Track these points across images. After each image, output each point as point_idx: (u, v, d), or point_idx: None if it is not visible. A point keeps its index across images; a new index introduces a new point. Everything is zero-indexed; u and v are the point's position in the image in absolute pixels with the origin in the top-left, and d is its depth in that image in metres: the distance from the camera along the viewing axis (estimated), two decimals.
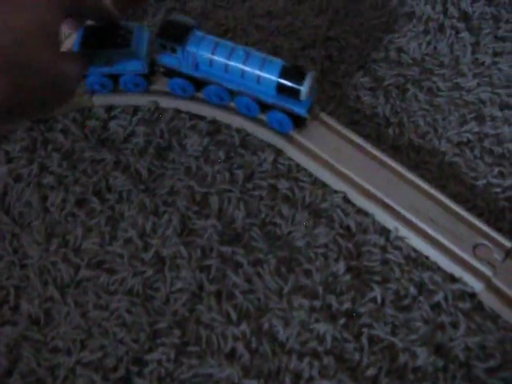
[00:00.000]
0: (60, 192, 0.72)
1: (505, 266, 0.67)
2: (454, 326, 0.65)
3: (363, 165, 0.73)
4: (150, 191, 0.73)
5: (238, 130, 0.78)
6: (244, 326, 0.64)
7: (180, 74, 0.76)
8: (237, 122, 0.78)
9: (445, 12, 0.92)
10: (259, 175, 0.75)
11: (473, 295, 0.67)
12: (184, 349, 0.63)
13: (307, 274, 0.68)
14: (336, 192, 0.73)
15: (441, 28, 0.90)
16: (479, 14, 0.91)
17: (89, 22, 0.73)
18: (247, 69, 0.71)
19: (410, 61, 0.86)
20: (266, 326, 0.64)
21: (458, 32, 0.90)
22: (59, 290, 0.66)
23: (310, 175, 0.75)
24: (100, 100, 0.80)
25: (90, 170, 0.74)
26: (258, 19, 0.90)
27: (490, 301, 0.66)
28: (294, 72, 0.70)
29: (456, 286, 0.67)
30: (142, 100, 0.80)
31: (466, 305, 0.66)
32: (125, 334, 0.64)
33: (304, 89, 0.70)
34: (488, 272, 0.66)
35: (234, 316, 0.64)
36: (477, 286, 0.66)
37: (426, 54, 0.87)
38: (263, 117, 0.76)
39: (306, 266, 0.68)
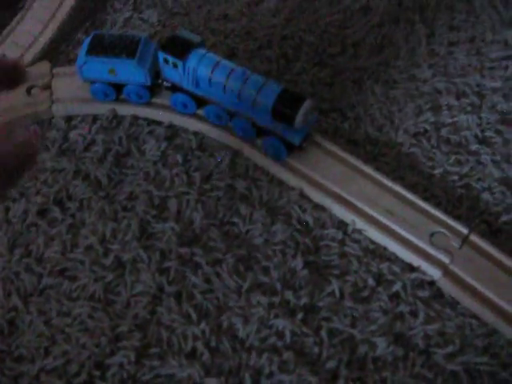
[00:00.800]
0: (22, 203, 0.74)
1: (462, 253, 0.67)
2: (414, 314, 0.66)
3: (318, 160, 0.74)
4: (109, 198, 0.74)
5: (196, 134, 0.79)
6: (204, 326, 0.65)
7: (182, 90, 0.77)
8: (194, 125, 0.79)
9: (399, 4, 0.93)
10: (216, 176, 0.76)
11: (432, 283, 0.68)
12: (145, 351, 0.64)
13: (265, 271, 0.68)
14: (293, 189, 0.74)
15: (396, 20, 0.91)
16: (433, 6, 0.92)
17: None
18: (245, 91, 0.72)
19: (366, 54, 0.87)
20: (225, 324, 0.65)
21: (413, 24, 0.91)
22: (22, 299, 0.67)
23: (267, 174, 0.76)
24: (59, 110, 0.81)
25: (51, 179, 0.76)
26: (213, 23, 0.92)
27: (448, 288, 0.67)
28: (291, 98, 0.70)
29: (414, 275, 0.68)
30: (101, 109, 0.81)
31: (424, 293, 0.67)
32: (87, 339, 0.65)
33: (299, 116, 0.69)
34: (445, 259, 0.67)
35: (194, 316, 0.65)
36: (435, 273, 0.67)
37: (382, 47, 0.88)
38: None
39: (264, 263, 0.69)
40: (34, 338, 0.65)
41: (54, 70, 0.84)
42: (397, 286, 0.67)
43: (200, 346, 0.64)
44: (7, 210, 0.74)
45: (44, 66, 0.85)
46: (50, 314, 0.66)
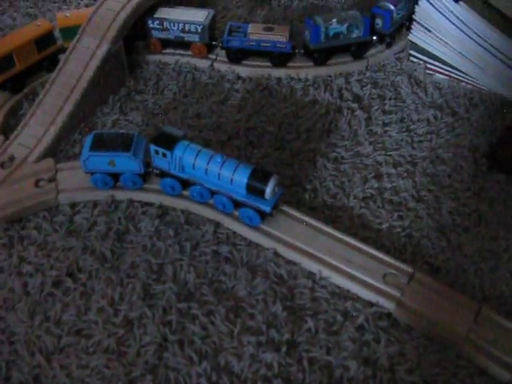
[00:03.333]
0: (38, 277, 0.85)
1: (410, 288, 0.81)
2: (377, 341, 0.78)
3: (286, 225, 0.89)
4: (114, 268, 0.86)
5: (183, 211, 0.93)
6: (205, 365, 0.75)
7: (170, 175, 0.91)
8: (181, 204, 0.94)
9: (341, 97, 1.12)
10: (203, 244, 0.89)
11: (389, 315, 0.81)
12: None
13: (252, 316, 0.80)
14: (267, 249, 0.88)
15: (339, 109, 1.10)
16: (368, 95, 1.12)
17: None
18: (223, 172, 0.87)
19: (317, 138, 1.05)
20: (222, 362, 0.76)
21: (353, 111, 1.10)
22: (45, 357, 0.77)
23: (245, 239, 0.90)
24: (65, 198, 0.94)
25: (63, 256, 0.88)
26: (189, 120, 1.08)
27: (402, 317, 0.80)
28: (260, 175, 0.85)
29: (374, 309, 0.81)
30: (101, 195, 0.95)
31: (384, 323, 0.80)
32: None
33: (268, 189, 0.84)
34: (397, 294, 0.81)
35: (195, 358, 0.76)
36: (390, 306, 0.81)
37: (329, 131, 1.07)
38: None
39: (250, 310, 0.81)
40: None
41: (58, 166, 0.98)
42: (361, 320, 0.80)
43: (203, 382, 0.74)
44: (25, 283, 0.84)
45: (48, 162, 0.99)
46: (71, 368, 0.75)
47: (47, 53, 1.18)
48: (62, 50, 1.18)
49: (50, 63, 1.17)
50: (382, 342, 0.78)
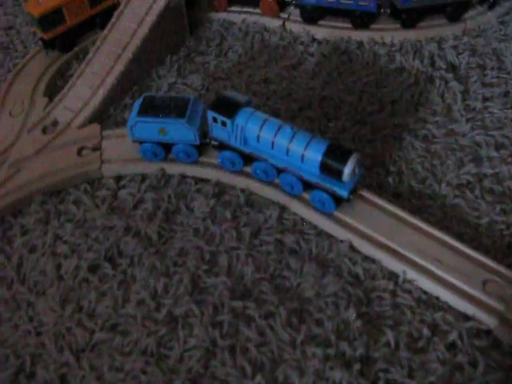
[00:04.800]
0: (73, 259, 0.76)
1: None
2: (473, 365, 0.65)
3: (365, 213, 0.76)
4: (160, 253, 0.76)
5: (243, 190, 0.81)
6: (259, 379, 0.64)
7: (230, 148, 0.80)
8: (241, 182, 0.82)
9: (432, 65, 0.97)
10: (265, 231, 0.77)
11: (488, 332, 0.67)
12: None
13: (319, 323, 0.69)
14: (342, 241, 0.75)
15: (430, 79, 0.94)
16: (465, 65, 0.96)
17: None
18: (293, 147, 0.75)
19: (404, 111, 0.90)
20: (281, 377, 0.65)
21: (447, 82, 0.94)
22: (74, 354, 0.68)
23: (315, 227, 0.77)
24: (109, 170, 0.84)
25: (102, 236, 0.78)
26: (255, 86, 0.96)
27: (506, 336, 0.66)
28: (338, 153, 0.73)
29: (470, 324, 0.67)
30: (150, 168, 0.84)
31: (482, 342, 0.66)
32: None
33: (347, 169, 0.72)
34: (500, 307, 0.67)
35: (248, 369, 0.65)
36: (491, 322, 0.67)
37: (419, 104, 0.91)
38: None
39: (317, 315, 0.69)
40: None
41: (104, 133, 0.88)
42: (453, 336, 0.66)
43: None
44: (59, 266, 0.75)
45: (94, 128, 0.89)
46: (102, 370, 0.67)
47: (101, 8, 1.09)
48: (117, 5, 1.08)
49: (104, 20, 1.07)
50: (479, 367, 0.65)
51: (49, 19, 1.02)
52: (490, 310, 0.67)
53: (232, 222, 0.78)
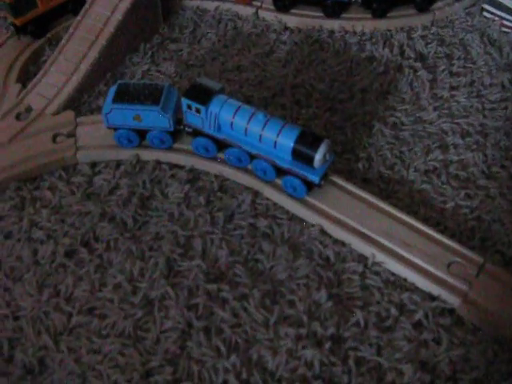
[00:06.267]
0: (50, 245, 0.76)
1: (479, 281, 0.70)
2: (437, 342, 0.68)
3: (336, 198, 0.78)
4: (135, 238, 0.77)
5: (217, 176, 0.83)
6: (234, 359, 0.66)
7: (203, 134, 0.80)
8: (215, 168, 0.83)
9: (402, 54, 0.99)
10: (239, 216, 0.79)
11: (452, 311, 0.70)
12: None
13: (291, 304, 0.71)
14: (313, 225, 0.77)
15: (399, 68, 0.96)
16: (433, 54, 0.98)
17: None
18: (265, 133, 0.76)
19: (374, 99, 0.92)
20: (255, 356, 0.66)
21: (415, 71, 0.96)
22: (52, 338, 0.68)
23: (287, 212, 0.79)
24: (84, 157, 0.84)
25: (78, 222, 0.78)
26: (228, 74, 0.97)
27: (468, 315, 0.69)
28: (309, 140, 0.74)
29: (435, 304, 0.70)
30: (124, 154, 0.84)
31: (446, 321, 0.69)
32: (118, 376, 0.65)
33: (318, 156, 0.73)
34: (464, 287, 0.70)
35: (223, 350, 0.67)
36: (455, 301, 0.70)
37: (388, 92, 0.93)
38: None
39: (290, 297, 0.71)
40: (65, 376, 0.66)
41: (78, 119, 0.88)
42: (419, 315, 0.69)
43: (231, 378, 0.64)
44: (35, 251, 0.76)
45: (68, 115, 0.89)
46: (81, 352, 0.67)
47: None
48: None
49: (77, 5, 1.05)
50: (443, 344, 0.68)
51: (20, 4, 1.00)
52: (454, 290, 0.70)
53: (206, 207, 0.79)
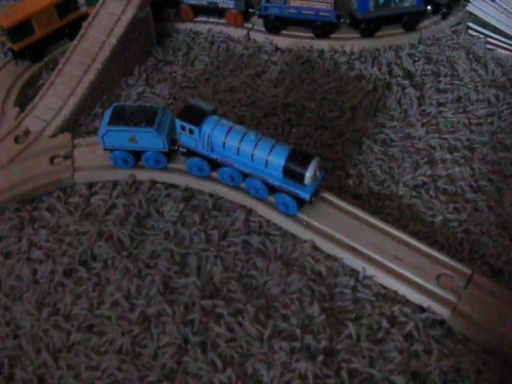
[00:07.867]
0: (48, 264, 0.78)
1: (468, 292, 0.72)
2: (428, 352, 0.69)
3: (327, 214, 0.80)
4: (132, 256, 0.78)
5: (211, 195, 0.85)
6: (229, 372, 0.67)
7: (197, 154, 0.82)
8: (208, 187, 0.85)
9: (390, 72, 1.01)
10: (233, 233, 0.81)
11: (442, 322, 0.71)
12: None
13: (285, 318, 0.72)
14: (305, 241, 0.79)
15: (388, 86, 0.99)
16: (421, 72, 1.01)
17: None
18: (257, 152, 0.78)
19: (363, 117, 0.95)
20: (250, 370, 0.68)
21: (404, 88, 0.99)
22: (52, 355, 0.70)
23: (280, 229, 0.81)
24: (81, 178, 0.86)
25: (76, 242, 0.80)
26: (221, 94, 0.99)
27: (458, 326, 0.71)
28: (300, 158, 0.76)
29: (425, 315, 0.72)
30: (120, 175, 0.86)
31: (436, 332, 0.70)
32: None
33: (308, 173, 0.75)
34: (453, 298, 0.71)
35: (219, 364, 0.68)
36: (444, 312, 0.71)
37: (377, 110, 0.96)
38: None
39: (283, 311, 0.73)
40: None
41: (75, 141, 0.91)
42: (410, 327, 0.70)
43: None
44: (34, 271, 0.77)
45: (65, 137, 0.91)
46: (80, 369, 0.69)
47: (69, 19, 1.11)
48: (86, 16, 1.10)
49: (73, 30, 1.09)
50: (433, 355, 0.69)
51: (18, 30, 1.03)
52: (443, 301, 0.72)
53: (201, 225, 0.81)
